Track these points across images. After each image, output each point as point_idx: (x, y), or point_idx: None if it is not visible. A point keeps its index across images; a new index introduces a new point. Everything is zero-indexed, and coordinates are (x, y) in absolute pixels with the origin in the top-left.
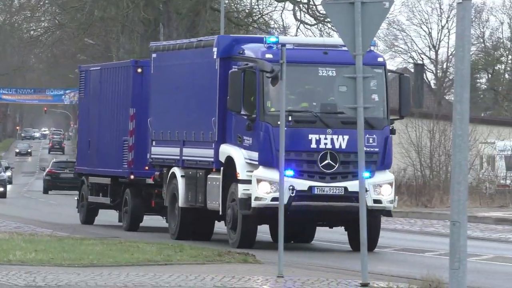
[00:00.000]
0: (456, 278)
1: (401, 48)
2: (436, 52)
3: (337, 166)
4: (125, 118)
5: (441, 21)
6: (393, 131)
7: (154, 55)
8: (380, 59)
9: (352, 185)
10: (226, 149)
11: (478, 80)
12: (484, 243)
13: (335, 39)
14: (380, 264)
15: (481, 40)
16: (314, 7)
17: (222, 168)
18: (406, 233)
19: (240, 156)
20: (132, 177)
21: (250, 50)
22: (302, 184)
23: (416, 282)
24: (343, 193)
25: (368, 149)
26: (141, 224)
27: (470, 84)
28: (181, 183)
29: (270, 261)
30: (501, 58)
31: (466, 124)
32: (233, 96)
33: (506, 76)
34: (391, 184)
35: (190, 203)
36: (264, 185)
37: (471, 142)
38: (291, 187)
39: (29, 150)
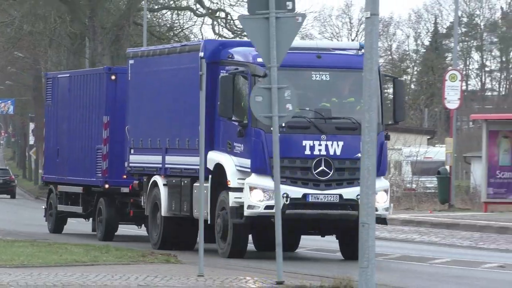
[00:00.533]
0: (365, 276)
1: None
2: None
3: (331, 173)
4: (98, 126)
5: (351, 34)
6: (387, 137)
7: (131, 62)
8: None
9: (347, 193)
10: (215, 156)
11: (386, 90)
12: (391, 243)
13: (328, 42)
14: (299, 265)
15: (389, 53)
16: (231, 21)
17: (210, 176)
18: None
19: (230, 163)
20: (106, 186)
21: (240, 54)
22: (296, 192)
23: (328, 280)
24: (338, 200)
25: None
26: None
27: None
28: (163, 191)
29: (191, 261)
30: (407, 70)
31: (374, 132)
32: (224, 102)
33: (412, 86)
34: (386, 191)
35: (174, 212)
36: (257, 193)
37: None
38: (285, 195)
39: None
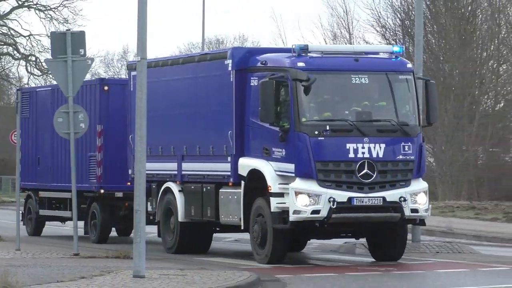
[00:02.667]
0: (138, 249)
1: None
2: None
3: (375, 175)
4: (91, 134)
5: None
6: (423, 139)
7: (133, 73)
8: (409, 65)
9: (390, 195)
10: (249, 162)
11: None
12: None
13: (363, 46)
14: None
15: None
16: (40, 63)
17: (243, 182)
18: None
19: (269, 168)
20: (102, 191)
21: (274, 60)
22: (342, 196)
23: (113, 252)
24: (381, 203)
25: (404, 157)
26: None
27: None
28: (179, 198)
29: (11, 239)
30: None
31: (144, 144)
32: (265, 107)
33: None
34: (425, 192)
35: (193, 218)
36: (302, 198)
37: None
38: (331, 199)
39: None
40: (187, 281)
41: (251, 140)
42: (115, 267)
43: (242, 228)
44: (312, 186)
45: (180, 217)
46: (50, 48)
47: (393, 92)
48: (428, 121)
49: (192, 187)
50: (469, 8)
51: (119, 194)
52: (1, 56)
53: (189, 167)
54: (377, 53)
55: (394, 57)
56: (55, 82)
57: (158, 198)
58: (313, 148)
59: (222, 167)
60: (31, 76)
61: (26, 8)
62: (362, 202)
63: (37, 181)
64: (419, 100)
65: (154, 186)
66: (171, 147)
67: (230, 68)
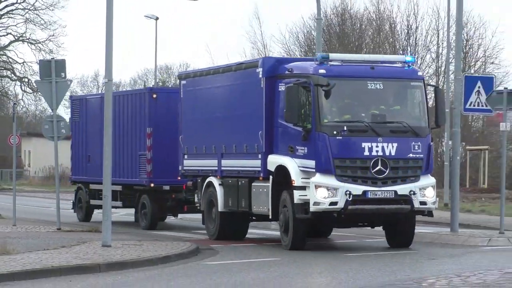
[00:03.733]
0: (105, 225)
1: None
2: None
3: (387, 171)
4: (141, 135)
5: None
6: (432, 139)
7: (183, 82)
8: (419, 73)
9: (401, 189)
10: (276, 159)
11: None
12: None
13: (380, 56)
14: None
15: None
16: (32, 83)
17: (271, 177)
18: None
19: (293, 164)
20: (152, 185)
21: (299, 68)
22: (357, 189)
23: (87, 227)
24: (393, 196)
25: (414, 155)
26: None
27: None
28: (219, 190)
29: (9, 217)
30: None
31: (110, 145)
32: (290, 109)
33: None
34: (433, 187)
35: (231, 208)
36: (322, 191)
37: None
38: (347, 192)
39: None
40: (143, 249)
41: (279, 139)
42: (88, 238)
43: (270, 217)
44: (330, 180)
45: (220, 207)
46: (39, 72)
47: (405, 97)
48: (437, 123)
49: (230, 181)
50: (356, 43)
51: (166, 187)
52: (1, 78)
53: (227, 163)
54: (392, 62)
55: (407, 66)
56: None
57: (202, 190)
58: (331, 146)
59: (254, 164)
60: (25, 93)
61: (21, 42)
62: (376, 195)
63: (88, 175)
64: (428, 105)
65: (199, 180)
66: (212, 146)
67: (260, 76)
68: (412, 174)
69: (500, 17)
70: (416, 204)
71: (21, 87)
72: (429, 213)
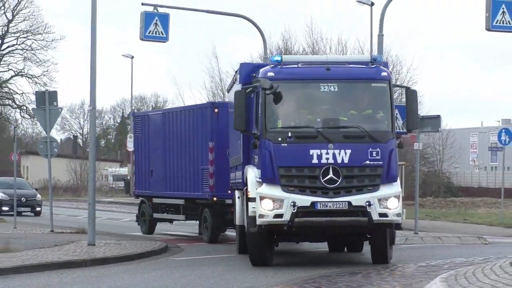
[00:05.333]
0: (90, 227)
1: None
2: None
3: (340, 180)
4: (203, 150)
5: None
6: (400, 145)
7: (231, 96)
8: (383, 74)
9: (356, 200)
10: (246, 170)
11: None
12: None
13: (342, 56)
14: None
15: None
16: (29, 110)
17: (244, 188)
18: None
19: (252, 175)
20: (215, 198)
21: (258, 72)
22: (305, 200)
23: (75, 229)
24: (347, 207)
25: (372, 162)
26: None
27: None
28: (237, 203)
29: (11, 221)
30: None
31: (94, 157)
32: (237, 115)
33: None
34: (397, 197)
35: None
36: (267, 203)
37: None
38: (293, 203)
39: None
40: (122, 248)
41: (251, 149)
42: (76, 238)
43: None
44: (275, 191)
45: (237, 220)
46: (35, 101)
47: (364, 99)
48: (407, 128)
49: (243, 193)
50: None
51: (229, 201)
52: (3, 106)
53: (237, 175)
54: (355, 62)
55: (372, 65)
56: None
57: (234, 204)
58: (276, 154)
59: (239, 175)
60: (23, 119)
61: (20, 76)
62: (326, 206)
63: (151, 190)
64: (393, 108)
65: (234, 194)
66: (241, 158)
67: (238, 83)
68: (370, 183)
69: (413, 56)
70: (375, 216)
71: (20, 114)
72: (397, 226)
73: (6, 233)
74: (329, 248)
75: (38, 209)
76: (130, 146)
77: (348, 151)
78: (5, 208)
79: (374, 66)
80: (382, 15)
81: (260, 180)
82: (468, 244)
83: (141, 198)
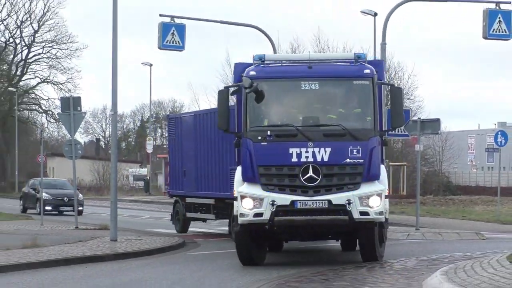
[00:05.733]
0: (113, 224)
1: None
2: None
3: (319, 179)
4: (232, 151)
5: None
6: (385, 143)
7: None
8: (366, 71)
9: (336, 198)
10: (237, 169)
11: None
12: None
13: (323, 54)
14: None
15: None
16: (54, 115)
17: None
18: None
19: (238, 174)
20: None
21: (245, 70)
22: (284, 199)
23: (99, 225)
24: (327, 206)
25: (352, 160)
26: None
27: None
28: None
29: (38, 218)
30: None
31: (116, 159)
32: (220, 115)
33: None
34: (379, 195)
35: None
36: (247, 201)
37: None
38: (273, 202)
39: None
40: (142, 243)
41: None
42: (99, 235)
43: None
44: (255, 190)
45: None
46: (60, 106)
47: (346, 97)
48: (392, 126)
49: None
50: None
51: None
52: (31, 111)
53: None
54: (338, 60)
55: (355, 62)
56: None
57: None
58: (255, 153)
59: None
60: (49, 123)
61: (46, 83)
62: (306, 205)
63: (184, 190)
64: (376, 106)
65: None
66: None
67: (233, 83)
68: (350, 182)
69: (414, 62)
70: (356, 215)
71: (46, 118)
72: (380, 225)
73: (34, 230)
74: (342, 247)
75: (80, 208)
76: (149, 148)
77: (328, 149)
78: (48, 208)
79: (357, 63)
80: (384, 25)
81: (241, 179)
82: (467, 240)
83: (175, 197)
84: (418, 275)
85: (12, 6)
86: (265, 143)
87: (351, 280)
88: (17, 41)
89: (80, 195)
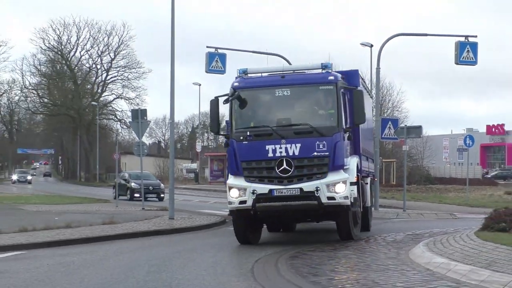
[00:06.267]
0: (171, 206)
1: None
2: None
3: (292, 170)
4: None
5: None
6: (349, 137)
7: None
8: (330, 78)
9: (307, 186)
10: None
11: None
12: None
13: (296, 65)
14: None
15: None
16: (127, 123)
17: None
18: None
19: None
20: None
21: None
22: (264, 188)
23: (159, 207)
24: (299, 193)
25: (319, 153)
26: None
27: None
28: None
29: (114, 201)
30: None
31: (173, 157)
32: (212, 120)
33: None
34: (344, 182)
35: None
36: (234, 191)
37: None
38: (254, 191)
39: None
40: (193, 220)
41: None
42: (161, 214)
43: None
44: (240, 181)
45: None
46: (131, 116)
47: (312, 100)
48: (354, 122)
49: None
50: None
51: None
52: (108, 119)
53: None
54: (308, 69)
55: (323, 71)
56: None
57: None
58: (238, 151)
59: None
60: (122, 129)
61: (120, 99)
62: (282, 192)
63: None
64: (339, 106)
65: None
66: None
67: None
68: (318, 172)
69: (402, 82)
70: (324, 200)
71: (120, 125)
72: (346, 208)
73: (111, 211)
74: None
75: (162, 195)
76: (198, 148)
77: (298, 145)
78: (136, 195)
79: (324, 71)
80: (378, 54)
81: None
82: (443, 219)
83: None
84: (405, 246)
85: (95, 40)
86: (246, 142)
87: (353, 249)
88: (98, 66)
89: (162, 185)
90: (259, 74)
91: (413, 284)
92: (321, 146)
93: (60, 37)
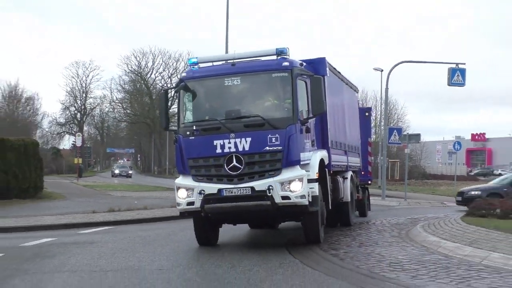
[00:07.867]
0: None
1: None
2: None
3: (242, 167)
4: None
5: None
6: (307, 130)
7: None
8: (285, 64)
9: (259, 185)
10: None
11: None
12: None
13: (248, 51)
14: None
15: None
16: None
17: None
18: None
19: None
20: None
21: None
22: (212, 188)
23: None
24: (250, 193)
25: (271, 148)
26: None
27: None
28: None
29: None
30: None
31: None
32: (160, 114)
33: None
34: (301, 179)
35: None
36: (182, 192)
37: None
38: (201, 191)
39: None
40: None
41: None
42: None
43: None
44: (187, 181)
45: None
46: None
47: (264, 89)
48: (312, 113)
49: None
50: None
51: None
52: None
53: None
54: (261, 56)
55: (277, 57)
56: None
57: None
58: (185, 147)
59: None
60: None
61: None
62: (232, 192)
63: None
64: (295, 97)
65: None
66: None
67: None
68: (271, 168)
69: (405, 99)
70: (277, 200)
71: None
72: (304, 208)
73: (152, 197)
74: (329, 225)
75: None
76: None
77: (249, 139)
78: None
79: (279, 57)
80: (387, 77)
81: None
82: (435, 207)
83: None
84: (406, 227)
85: (166, 65)
86: (193, 138)
87: (365, 229)
88: (169, 85)
89: None
90: (210, 64)
91: (411, 257)
92: (273, 140)
93: (140, 63)
